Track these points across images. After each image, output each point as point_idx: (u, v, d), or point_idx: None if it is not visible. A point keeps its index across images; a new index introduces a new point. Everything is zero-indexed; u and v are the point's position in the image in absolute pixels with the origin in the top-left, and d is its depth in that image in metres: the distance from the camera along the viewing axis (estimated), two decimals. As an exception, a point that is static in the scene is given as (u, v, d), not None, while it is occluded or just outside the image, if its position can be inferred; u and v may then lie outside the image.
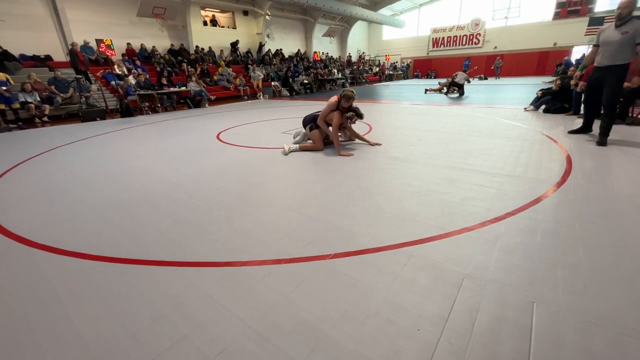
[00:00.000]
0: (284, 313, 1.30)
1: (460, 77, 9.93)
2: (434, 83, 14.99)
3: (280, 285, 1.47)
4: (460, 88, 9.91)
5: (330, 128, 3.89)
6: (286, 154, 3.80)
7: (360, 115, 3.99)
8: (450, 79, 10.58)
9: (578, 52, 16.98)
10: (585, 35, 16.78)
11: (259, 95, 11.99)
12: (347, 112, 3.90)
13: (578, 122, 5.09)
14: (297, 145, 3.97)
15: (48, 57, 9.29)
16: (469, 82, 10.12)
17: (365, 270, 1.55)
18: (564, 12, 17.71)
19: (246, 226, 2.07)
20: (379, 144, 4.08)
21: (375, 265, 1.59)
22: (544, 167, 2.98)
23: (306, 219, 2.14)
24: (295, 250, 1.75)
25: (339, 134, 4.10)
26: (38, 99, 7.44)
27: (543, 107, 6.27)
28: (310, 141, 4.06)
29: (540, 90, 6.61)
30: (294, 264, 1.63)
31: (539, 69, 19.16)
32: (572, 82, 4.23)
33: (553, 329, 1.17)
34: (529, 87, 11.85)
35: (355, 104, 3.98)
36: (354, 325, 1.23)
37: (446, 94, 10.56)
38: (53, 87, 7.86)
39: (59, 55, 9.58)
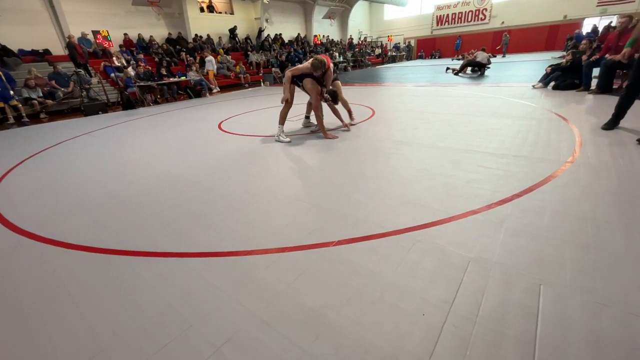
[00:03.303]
0: (288, 301, 1.31)
1: (481, 56, 9.70)
2: (439, 63, 14.58)
3: (284, 274, 1.47)
4: (482, 68, 9.68)
5: (313, 109, 3.89)
6: (288, 141, 3.77)
7: (335, 100, 4.08)
8: (464, 60, 10.34)
9: (589, 24, 16.20)
10: (597, 6, 15.98)
11: (214, 88, 10.55)
12: (326, 94, 3.94)
13: (589, 98, 4.94)
14: (279, 127, 3.88)
15: (47, 52, 9.21)
16: (489, 62, 9.88)
17: (369, 256, 1.54)
18: (575, -19, 16.81)
19: (249, 215, 2.07)
20: (348, 129, 4.08)
21: (379, 251, 1.58)
22: (553, 146, 2.90)
23: (309, 206, 2.12)
24: (298, 238, 1.75)
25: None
26: (40, 94, 7.44)
27: (552, 83, 6.06)
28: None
29: (549, 66, 6.36)
30: (298, 252, 1.63)
31: (549, 44, 18.40)
32: (623, 57, 3.86)
33: (560, 310, 1.16)
34: (538, 63, 11.44)
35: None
36: (358, 311, 1.23)
37: (457, 73, 10.25)
38: (54, 81, 7.82)
39: (57, 49, 9.48)
